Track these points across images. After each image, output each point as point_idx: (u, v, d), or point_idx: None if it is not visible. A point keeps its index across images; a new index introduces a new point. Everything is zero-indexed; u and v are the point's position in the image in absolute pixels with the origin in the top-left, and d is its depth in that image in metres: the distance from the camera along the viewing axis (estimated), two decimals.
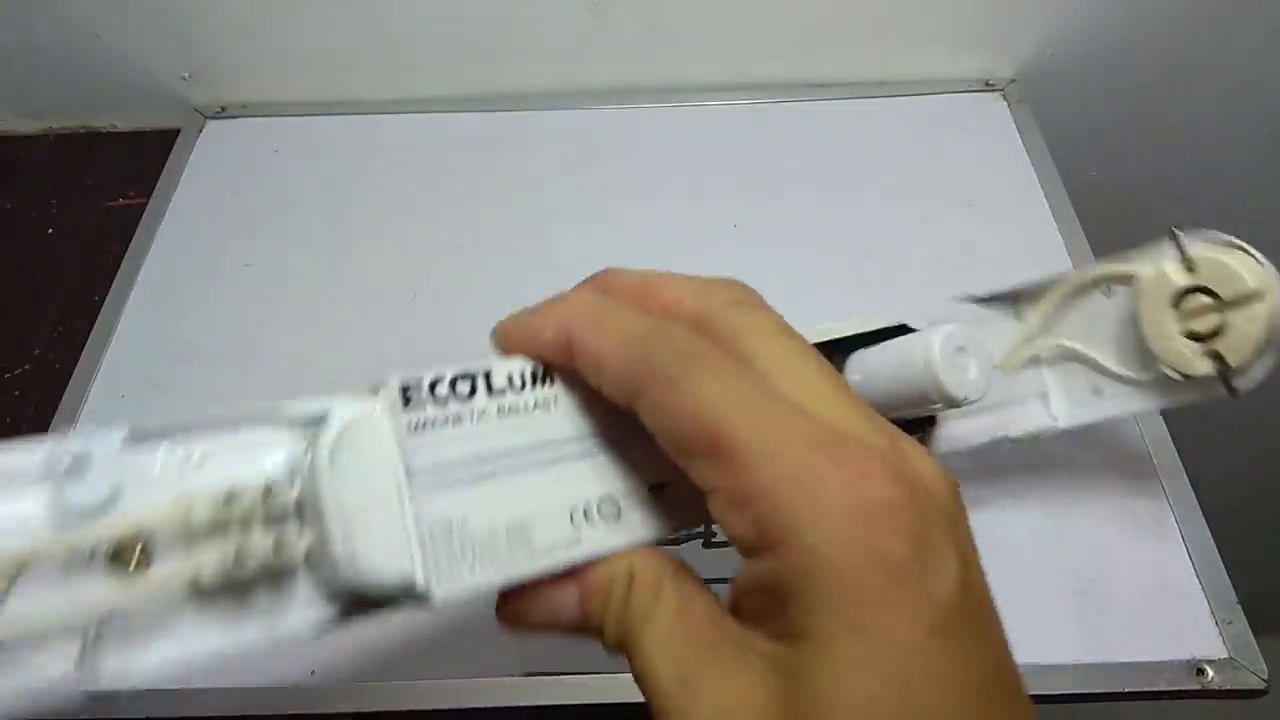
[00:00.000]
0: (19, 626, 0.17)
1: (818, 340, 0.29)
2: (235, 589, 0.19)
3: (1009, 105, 0.63)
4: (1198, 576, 0.41)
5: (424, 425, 0.21)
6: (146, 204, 0.59)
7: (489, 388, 0.22)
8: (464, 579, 0.20)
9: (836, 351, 0.31)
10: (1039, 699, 0.38)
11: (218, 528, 0.19)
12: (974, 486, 0.43)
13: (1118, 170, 0.71)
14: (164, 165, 0.61)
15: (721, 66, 0.64)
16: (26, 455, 0.18)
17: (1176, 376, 0.34)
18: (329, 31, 0.61)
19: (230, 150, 0.62)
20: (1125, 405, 0.36)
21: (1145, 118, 0.69)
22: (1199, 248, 0.33)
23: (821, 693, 0.17)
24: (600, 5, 0.60)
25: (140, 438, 0.19)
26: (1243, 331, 0.32)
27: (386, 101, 0.64)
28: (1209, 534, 0.42)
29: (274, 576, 0.19)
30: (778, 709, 0.18)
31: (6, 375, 0.53)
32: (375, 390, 0.21)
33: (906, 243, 0.55)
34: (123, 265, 0.55)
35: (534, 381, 0.22)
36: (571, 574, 0.21)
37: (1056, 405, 0.38)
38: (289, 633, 0.19)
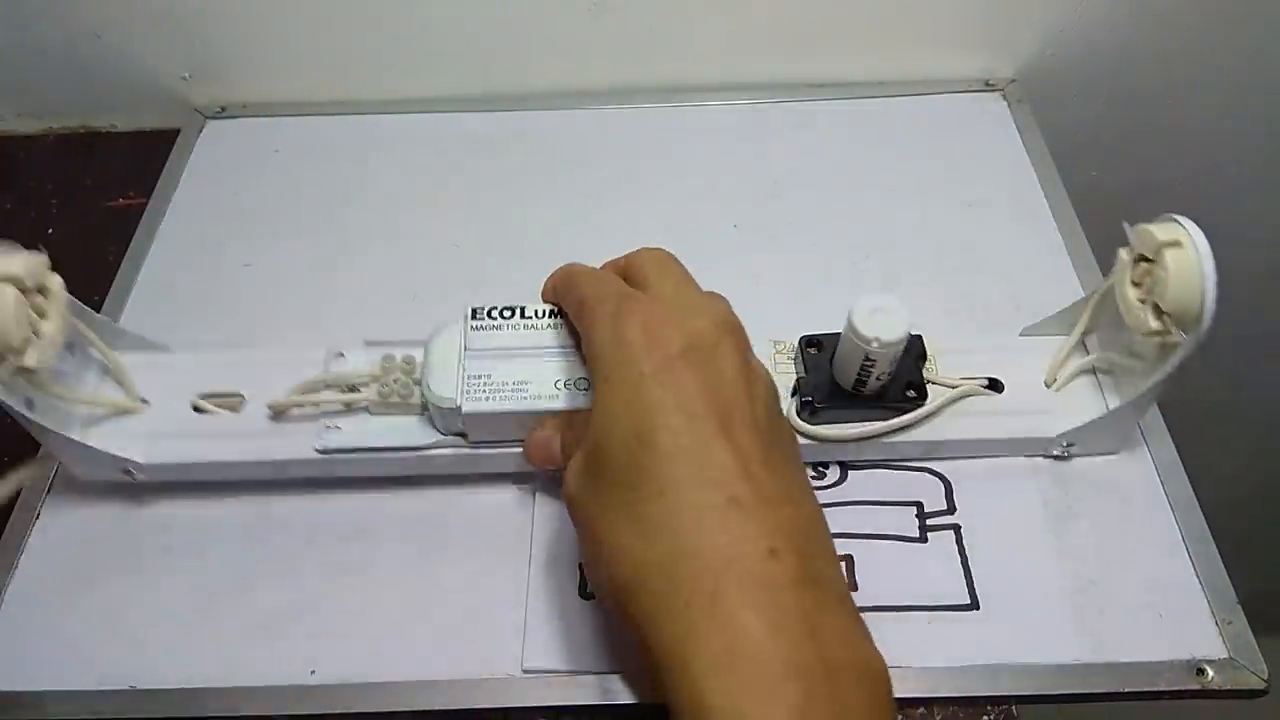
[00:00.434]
0: (309, 410, 0.42)
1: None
2: (394, 403, 0.41)
3: (1009, 105, 0.63)
4: (1197, 576, 0.41)
5: (481, 327, 0.40)
6: (146, 204, 0.58)
7: (521, 314, 0.40)
8: (482, 404, 0.39)
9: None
10: (1038, 699, 0.38)
11: (389, 373, 0.41)
12: (975, 487, 0.44)
13: (1118, 170, 0.72)
14: (164, 165, 0.61)
15: (721, 66, 0.64)
16: (316, 352, 0.43)
17: (1142, 338, 0.39)
18: (329, 32, 0.61)
19: (230, 150, 0.62)
20: (1136, 388, 0.41)
21: (1145, 118, 0.69)
22: (1139, 227, 0.39)
23: (590, 417, 0.32)
24: (600, 5, 0.60)
25: (372, 345, 0.43)
26: (1161, 276, 0.37)
27: (387, 101, 0.64)
28: (1209, 533, 0.42)
29: (408, 397, 0.41)
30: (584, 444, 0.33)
31: None
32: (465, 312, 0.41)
33: (906, 243, 0.55)
34: (122, 265, 0.55)
35: (548, 315, 0.40)
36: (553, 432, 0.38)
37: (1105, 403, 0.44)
38: (414, 422, 0.41)
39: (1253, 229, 0.75)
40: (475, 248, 0.55)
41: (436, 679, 0.39)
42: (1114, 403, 0.43)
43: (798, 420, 0.43)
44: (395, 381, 0.41)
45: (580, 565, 0.41)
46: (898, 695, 0.38)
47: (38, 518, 0.44)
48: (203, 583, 0.42)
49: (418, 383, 0.41)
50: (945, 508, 0.43)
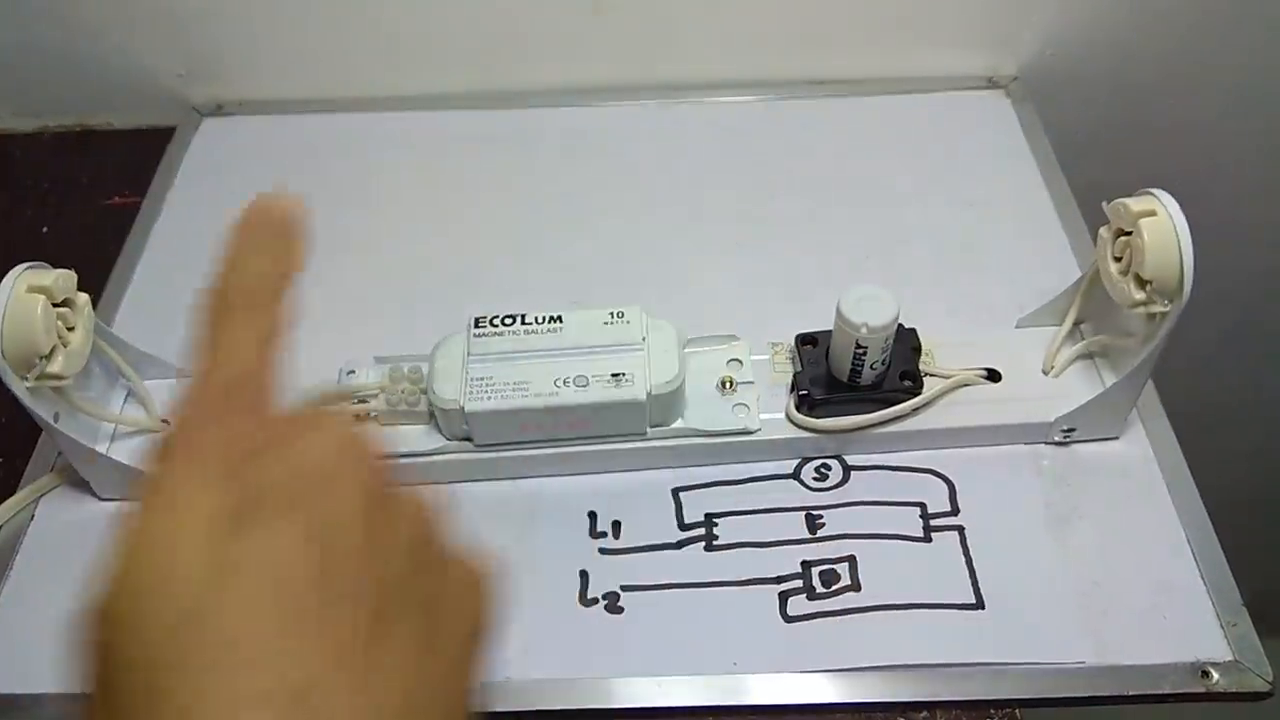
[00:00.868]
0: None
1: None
2: (402, 410, 0.42)
3: (1012, 103, 0.63)
4: (1202, 579, 0.40)
5: (483, 334, 0.42)
6: (142, 202, 0.58)
7: (522, 321, 0.42)
8: (484, 403, 0.40)
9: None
10: (1043, 703, 0.38)
11: (396, 383, 0.42)
12: (976, 488, 0.43)
13: (1121, 168, 0.71)
14: (160, 163, 0.60)
15: (722, 64, 0.64)
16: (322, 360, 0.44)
17: (1129, 312, 0.39)
18: (326, 30, 0.61)
19: (226, 148, 0.62)
20: (1129, 364, 0.41)
21: (1147, 116, 0.69)
22: (1115, 202, 0.40)
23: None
24: (601, 2, 0.60)
25: (381, 361, 0.44)
26: (1139, 245, 0.38)
27: (384, 99, 0.63)
28: (1214, 536, 0.42)
29: (415, 405, 0.42)
30: None
31: None
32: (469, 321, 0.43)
33: (907, 241, 0.54)
34: (118, 263, 0.54)
35: (548, 320, 0.42)
36: None
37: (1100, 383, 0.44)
38: (421, 430, 0.43)
39: (1253, 229, 0.75)
40: (474, 245, 0.55)
41: None
42: (1110, 382, 0.43)
43: (796, 414, 0.43)
44: (403, 390, 0.42)
45: (580, 571, 0.41)
46: (900, 699, 0.37)
47: (33, 519, 0.44)
48: None
49: (424, 391, 0.42)
50: (949, 509, 0.43)
